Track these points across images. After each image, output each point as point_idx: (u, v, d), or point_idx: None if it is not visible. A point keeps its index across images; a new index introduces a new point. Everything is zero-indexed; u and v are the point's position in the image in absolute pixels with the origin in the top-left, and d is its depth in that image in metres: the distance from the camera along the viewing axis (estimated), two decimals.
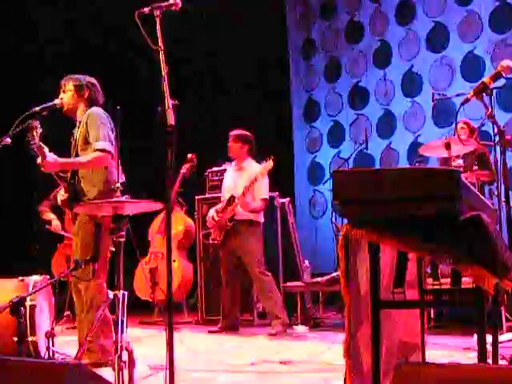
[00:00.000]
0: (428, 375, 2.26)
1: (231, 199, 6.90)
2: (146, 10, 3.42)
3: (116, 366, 3.58)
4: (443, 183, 2.64)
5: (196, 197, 8.12)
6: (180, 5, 3.50)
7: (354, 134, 9.84)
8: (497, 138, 4.12)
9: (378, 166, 9.29)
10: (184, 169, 8.11)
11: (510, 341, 5.10)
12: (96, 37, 9.91)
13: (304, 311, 7.41)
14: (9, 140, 4.49)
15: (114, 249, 4.19)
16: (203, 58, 10.23)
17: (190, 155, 8.14)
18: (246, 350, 5.96)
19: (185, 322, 8.00)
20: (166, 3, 3.46)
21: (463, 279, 3.20)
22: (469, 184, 2.95)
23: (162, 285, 7.68)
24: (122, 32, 8.58)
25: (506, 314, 5.57)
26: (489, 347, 3.03)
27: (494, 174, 6.04)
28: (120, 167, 4.49)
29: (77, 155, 4.96)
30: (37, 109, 4.60)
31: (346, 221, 2.88)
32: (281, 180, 7.66)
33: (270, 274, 6.90)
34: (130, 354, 3.66)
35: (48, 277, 5.38)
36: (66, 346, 5.24)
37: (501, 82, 4.17)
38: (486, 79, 3.91)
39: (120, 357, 3.61)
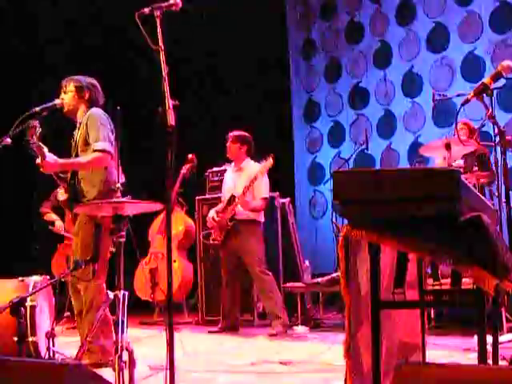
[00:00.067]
0: (428, 375, 2.26)
1: (231, 199, 6.91)
2: (147, 10, 3.42)
3: (116, 366, 3.58)
4: (443, 184, 2.64)
5: (196, 197, 8.12)
6: (180, 5, 3.49)
7: (355, 135, 9.85)
8: (497, 139, 4.12)
9: (378, 167, 9.29)
10: (184, 169, 8.11)
11: (510, 341, 5.10)
12: (96, 37, 9.91)
13: (304, 312, 7.41)
14: (9, 140, 4.49)
15: (114, 249, 4.19)
16: (203, 57, 10.23)
17: (190, 155, 8.15)
18: (246, 350, 5.96)
19: (185, 322, 8.00)
20: (166, 3, 3.46)
21: (463, 280, 3.21)
22: (469, 184, 2.95)
23: (162, 285, 7.68)
24: (121, 32, 8.59)
25: (506, 314, 5.58)
26: (489, 348, 3.02)
27: (494, 175, 6.05)
28: (120, 168, 4.49)
29: (77, 156, 4.97)
30: (37, 109, 4.60)
31: (346, 221, 2.88)
32: (281, 180, 7.66)
33: (270, 273, 6.90)
34: (131, 354, 3.66)
35: (48, 277, 5.38)
36: (67, 346, 5.23)
37: (501, 83, 4.17)
38: (486, 79, 3.91)
39: (120, 357, 3.61)
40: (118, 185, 4.37)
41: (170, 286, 3.15)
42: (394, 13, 9.56)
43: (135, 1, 3.80)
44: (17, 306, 3.78)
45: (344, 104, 10.10)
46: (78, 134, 4.98)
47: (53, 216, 8.09)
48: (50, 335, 4.49)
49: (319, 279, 7.24)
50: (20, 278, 5.16)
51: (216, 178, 8.08)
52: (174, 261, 7.84)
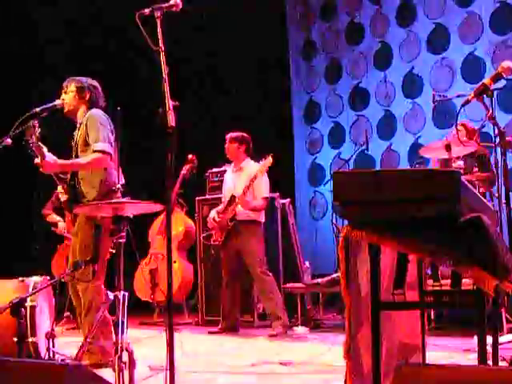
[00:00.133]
0: (428, 376, 2.26)
1: (232, 199, 6.91)
2: (147, 11, 3.42)
3: (116, 366, 3.58)
4: (443, 185, 2.64)
5: (196, 198, 8.13)
6: (181, 6, 3.50)
7: (355, 136, 9.84)
8: (497, 140, 4.12)
9: (378, 168, 9.28)
10: (184, 170, 8.12)
11: (510, 342, 5.10)
12: (96, 37, 9.91)
13: (304, 312, 7.40)
14: (9, 141, 4.49)
15: (114, 250, 4.19)
16: (203, 58, 10.23)
17: (190, 156, 8.15)
18: (246, 351, 5.96)
19: (185, 323, 8.00)
20: (166, 4, 3.46)
21: (463, 281, 3.21)
22: (469, 185, 2.95)
23: (163, 286, 7.68)
24: (121, 32, 8.59)
25: (506, 315, 5.57)
26: (489, 349, 3.03)
27: (494, 176, 6.05)
28: (120, 168, 4.49)
29: (77, 157, 4.97)
30: (37, 110, 4.60)
31: (346, 222, 2.88)
32: (281, 181, 7.66)
33: (271, 274, 6.90)
34: (131, 354, 3.67)
35: (48, 278, 5.38)
36: (67, 346, 5.23)
37: (501, 83, 4.17)
38: (486, 80, 3.91)
39: (120, 358, 3.61)
40: (119, 185, 4.37)
41: (170, 286, 3.15)
42: (395, 14, 9.55)
43: (135, 1, 3.80)
44: (17, 307, 3.78)
45: (344, 105, 10.10)
46: (77, 135, 4.98)
47: (55, 217, 8.08)
48: (50, 336, 4.49)
49: (319, 280, 7.24)
50: (20, 279, 5.16)
51: (216, 179, 8.08)
52: (174, 261, 7.84)
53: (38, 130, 4.51)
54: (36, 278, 5.18)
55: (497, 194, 5.78)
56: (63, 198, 4.93)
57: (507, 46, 8.40)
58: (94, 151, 4.80)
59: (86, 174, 4.90)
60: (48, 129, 4.70)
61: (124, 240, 3.98)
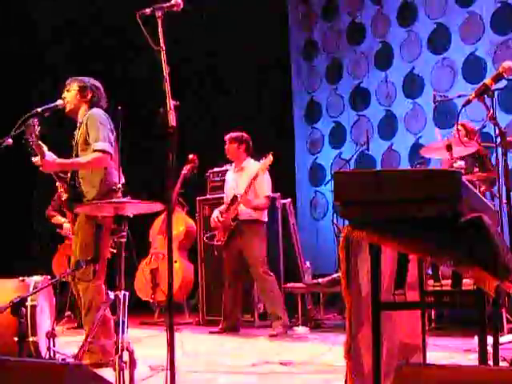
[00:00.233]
0: (429, 376, 2.26)
1: (234, 198, 6.91)
2: (148, 10, 3.42)
3: (117, 366, 3.58)
4: (444, 185, 2.64)
5: (197, 197, 8.12)
6: (181, 5, 3.49)
7: (356, 136, 9.84)
8: (498, 140, 4.12)
9: (379, 168, 9.28)
10: (185, 169, 8.11)
11: (510, 342, 5.10)
12: (96, 37, 9.91)
13: (305, 312, 7.40)
14: (10, 140, 4.50)
15: (114, 250, 4.19)
16: (204, 57, 10.23)
17: (191, 156, 8.15)
18: (247, 351, 5.96)
19: (186, 322, 8.00)
20: (167, 4, 3.46)
21: (464, 281, 3.20)
22: (470, 185, 2.95)
23: (163, 285, 7.69)
24: (121, 32, 8.59)
25: (506, 315, 5.57)
26: (489, 349, 3.02)
27: (495, 176, 6.05)
28: (120, 168, 4.50)
29: (77, 156, 4.97)
30: (39, 110, 4.60)
31: (346, 222, 2.88)
32: (282, 181, 7.65)
33: (273, 274, 6.91)
34: (131, 354, 3.67)
35: (49, 277, 5.38)
36: (67, 346, 5.24)
37: (502, 84, 4.17)
38: (487, 81, 3.91)
39: (121, 357, 3.62)
40: (119, 185, 4.37)
41: (171, 286, 3.15)
42: (396, 14, 9.55)
43: (135, 1, 3.80)
44: (17, 306, 3.78)
45: (345, 105, 10.10)
46: (78, 134, 4.99)
47: (60, 219, 8.06)
48: (51, 335, 4.50)
49: (320, 280, 7.23)
50: (21, 278, 5.16)
51: (217, 179, 8.08)
52: (175, 261, 7.84)
53: (37, 129, 4.51)
54: (36, 278, 5.18)
55: (498, 194, 5.78)
56: (63, 197, 4.93)
57: (508, 46, 8.40)
58: (94, 150, 4.80)
59: (86, 173, 4.90)
60: (48, 128, 4.70)
61: (125, 239, 3.98)
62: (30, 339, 4.91)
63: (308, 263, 7.66)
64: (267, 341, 6.46)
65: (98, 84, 5.14)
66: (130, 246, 4.07)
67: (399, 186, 2.72)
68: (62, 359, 4.48)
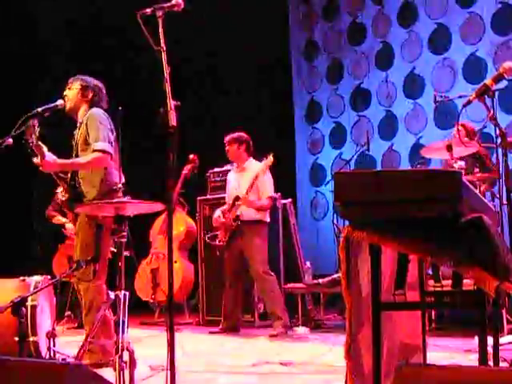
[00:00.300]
0: (429, 377, 2.26)
1: (236, 199, 6.91)
2: (149, 10, 3.42)
3: (117, 366, 3.58)
4: (444, 185, 2.64)
5: (197, 197, 8.13)
6: (182, 5, 3.49)
7: (356, 136, 9.84)
8: (499, 140, 4.12)
9: (379, 168, 9.27)
10: (185, 169, 8.11)
11: (511, 343, 5.10)
12: (96, 37, 9.91)
13: (305, 313, 7.40)
14: (11, 140, 4.49)
15: (115, 250, 4.19)
16: (204, 57, 10.22)
17: (191, 156, 8.15)
18: (247, 351, 5.96)
19: (186, 322, 8.00)
20: (168, 4, 3.46)
21: (464, 281, 3.20)
22: (470, 186, 2.95)
23: (164, 285, 7.69)
24: (121, 32, 8.59)
25: (507, 316, 5.57)
26: (490, 349, 3.02)
27: (495, 176, 6.05)
28: (120, 168, 4.50)
29: (77, 156, 4.97)
30: (39, 110, 4.60)
31: (347, 222, 2.88)
32: (282, 181, 7.65)
33: (273, 274, 6.91)
34: (131, 354, 3.67)
35: (49, 277, 5.38)
36: (67, 346, 5.24)
37: (503, 84, 4.17)
38: (488, 81, 3.91)
39: (121, 357, 3.62)
40: (120, 185, 4.37)
41: (171, 286, 3.15)
42: (396, 14, 9.54)
43: (135, 1, 3.80)
44: (18, 306, 3.78)
45: (346, 105, 10.09)
46: (78, 134, 4.98)
47: (62, 219, 8.06)
48: (51, 335, 4.50)
49: (320, 280, 7.23)
50: (21, 278, 5.16)
51: (217, 179, 8.08)
52: (175, 261, 7.83)
53: (37, 130, 4.50)
54: (37, 278, 5.19)
55: (498, 195, 5.78)
56: (64, 197, 4.93)
57: (509, 46, 8.39)
58: (94, 150, 4.80)
59: (87, 173, 4.90)
60: (48, 128, 4.70)
61: (125, 239, 3.98)
62: (31, 339, 4.92)
63: (308, 263, 7.66)
64: (267, 341, 6.46)
65: (100, 85, 5.14)
66: (130, 245, 4.07)
67: (399, 187, 2.72)
68: (63, 359, 4.48)
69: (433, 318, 6.38)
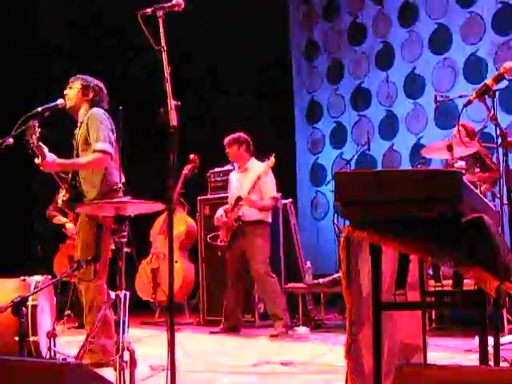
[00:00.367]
0: (429, 377, 2.26)
1: (238, 199, 6.91)
2: (149, 10, 3.42)
3: (117, 366, 3.58)
4: (445, 185, 2.64)
5: (198, 197, 8.12)
6: (183, 5, 3.49)
7: (357, 136, 9.84)
8: (499, 140, 4.12)
9: (380, 168, 9.27)
10: (186, 169, 8.11)
11: (511, 343, 5.10)
12: (96, 37, 9.90)
13: (305, 312, 7.40)
14: (11, 140, 4.50)
15: (114, 247, 4.19)
16: (204, 58, 10.22)
17: (192, 156, 8.14)
18: (248, 351, 5.95)
19: (186, 322, 8.00)
20: (168, 4, 3.46)
21: (465, 281, 3.20)
22: (471, 186, 2.94)
23: (164, 285, 7.69)
24: (121, 32, 8.59)
25: (507, 316, 5.57)
26: (490, 349, 3.02)
27: (495, 176, 6.05)
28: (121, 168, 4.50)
29: (77, 156, 4.97)
30: (39, 109, 4.60)
31: (347, 222, 2.88)
32: (283, 181, 7.65)
33: (275, 275, 6.91)
34: (132, 354, 3.67)
35: (50, 277, 5.38)
36: (68, 346, 5.24)
37: (503, 84, 4.17)
38: (488, 81, 3.91)
39: (121, 357, 3.62)
40: (120, 185, 4.37)
41: (172, 286, 3.15)
42: (397, 14, 9.54)
43: (135, 1, 3.80)
44: (18, 306, 3.78)
45: (346, 105, 10.09)
46: (78, 134, 4.99)
47: (62, 219, 8.05)
48: (51, 335, 4.50)
49: (320, 280, 7.23)
50: (21, 278, 5.16)
51: (218, 179, 8.08)
52: (176, 261, 7.84)
53: (38, 130, 4.51)
54: (37, 277, 5.19)
55: (498, 195, 5.77)
56: (64, 197, 4.93)
57: (509, 46, 8.39)
58: (95, 151, 4.80)
59: (87, 173, 4.91)
60: (48, 128, 4.70)
61: (125, 239, 3.98)
62: (31, 339, 4.92)
63: (309, 263, 7.66)
64: (268, 341, 6.46)
65: (101, 85, 5.15)
66: (131, 243, 4.07)
67: (400, 187, 2.72)
68: (63, 359, 4.49)
69: (433, 317, 6.38)
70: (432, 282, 5.81)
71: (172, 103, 3.24)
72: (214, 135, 7.94)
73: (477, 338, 3.02)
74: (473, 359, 4.59)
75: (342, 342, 2.92)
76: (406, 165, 9.09)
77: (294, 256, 7.83)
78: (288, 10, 10.76)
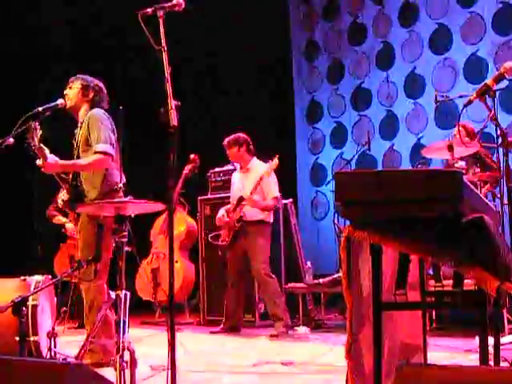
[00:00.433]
0: (429, 377, 2.26)
1: (240, 199, 6.91)
2: (149, 10, 3.41)
3: (118, 366, 3.58)
4: (445, 185, 2.64)
5: (198, 197, 8.12)
6: (183, 5, 3.49)
7: (357, 136, 9.84)
8: (499, 140, 4.12)
9: (380, 168, 9.27)
10: (186, 169, 8.11)
11: (511, 343, 5.10)
12: (96, 37, 9.90)
13: (306, 312, 7.40)
14: (12, 140, 4.50)
15: (114, 245, 4.19)
16: (204, 57, 10.22)
17: (192, 156, 8.14)
18: (248, 351, 5.95)
19: (186, 322, 8.00)
20: (169, 4, 3.46)
21: (465, 281, 3.20)
22: (471, 186, 2.94)
23: (164, 285, 7.68)
24: (121, 32, 8.58)
25: (507, 316, 5.57)
26: (491, 349, 3.02)
27: (496, 176, 6.04)
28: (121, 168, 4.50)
29: (78, 157, 4.97)
30: (40, 109, 4.60)
31: (348, 222, 2.87)
32: (283, 181, 7.66)
33: (274, 276, 6.90)
34: (132, 354, 3.67)
35: (50, 277, 5.38)
36: (68, 346, 5.24)
37: (504, 84, 4.17)
38: (488, 81, 3.91)
39: (122, 357, 3.62)
40: (120, 185, 4.37)
41: (172, 286, 3.15)
42: (397, 14, 9.54)
43: (136, 1, 3.80)
44: (18, 306, 3.78)
45: (346, 105, 10.09)
46: (79, 134, 4.99)
47: (62, 219, 8.05)
48: (52, 335, 4.50)
49: (321, 280, 7.24)
50: (22, 278, 5.16)
51: (218, 179, 8.08)
52: (176, 261, 7.84)
53: (39, 132, 4.51)
54: (38, 277, 5.18)
55: (499, 195, 5.77)
56: (65, 197, 4.94)
57: (509, 46, 8.39)
58: (96, 152, 4.80)
59: (88, 173, 4.91)
60: (48, 128, 4.70)
61: (126, 239, 3.98)
62: (31, 339, 4.91)
63: (309, 263, 7.66)
64: (268, 341, 6.47)
65: (101, 85, 5.15)
66: (131, 242, 4.07)
67: (400, 186, 2.72)
68: (63, 359, 4.48)
69: (433, 317, 6.38)
70: (432, 282, 5.80)
71: (172, 103, 3.23)
72: (214, 135, 7.94)
73: (477, 338, 3.02)
74: (473, 359, 4.59)
75: (343, 342, 2.92)
76: (406, 165, 9.09)
77: (295, 256, 7.84)
78: (288, 9, 10.76)
